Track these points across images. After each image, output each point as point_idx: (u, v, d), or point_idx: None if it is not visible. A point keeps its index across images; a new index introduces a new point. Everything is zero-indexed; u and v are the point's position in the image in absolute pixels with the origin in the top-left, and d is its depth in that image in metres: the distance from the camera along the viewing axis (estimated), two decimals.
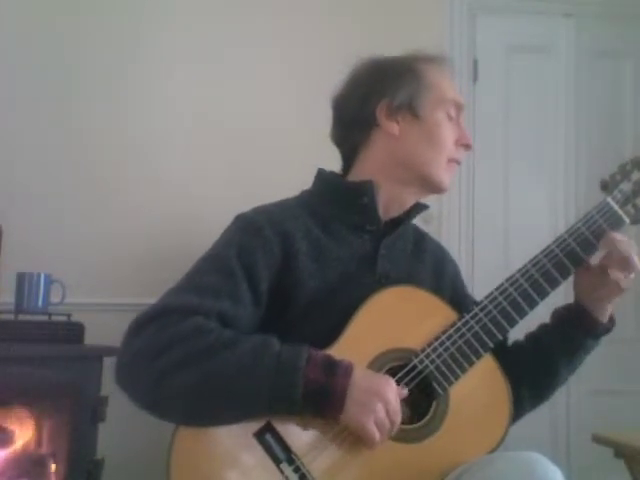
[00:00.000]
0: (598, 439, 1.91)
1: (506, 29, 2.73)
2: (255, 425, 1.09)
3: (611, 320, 1.30)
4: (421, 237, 1.43)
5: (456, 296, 1.39)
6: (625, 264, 1.21)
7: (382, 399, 1.07)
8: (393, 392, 1.09)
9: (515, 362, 1.29)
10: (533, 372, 1.30)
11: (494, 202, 2.68)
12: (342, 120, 1.37)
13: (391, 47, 1.40)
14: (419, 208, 1.38)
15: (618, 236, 1.23)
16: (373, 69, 1.35)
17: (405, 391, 1.13)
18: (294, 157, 2.31)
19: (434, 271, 1.39)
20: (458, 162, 1.33)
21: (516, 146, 2.71)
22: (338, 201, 1.31)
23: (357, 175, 1.34)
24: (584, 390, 2.61)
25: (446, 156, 1.30)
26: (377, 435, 1.08)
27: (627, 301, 2.57)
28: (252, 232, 1.22)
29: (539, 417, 2.50)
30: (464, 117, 1.36)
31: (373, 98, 1.30)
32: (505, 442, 1.19)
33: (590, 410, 2.59)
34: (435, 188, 1.33)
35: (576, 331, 1.28)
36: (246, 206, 1.34)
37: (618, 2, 2.78)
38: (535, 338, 1.35)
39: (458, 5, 2.65)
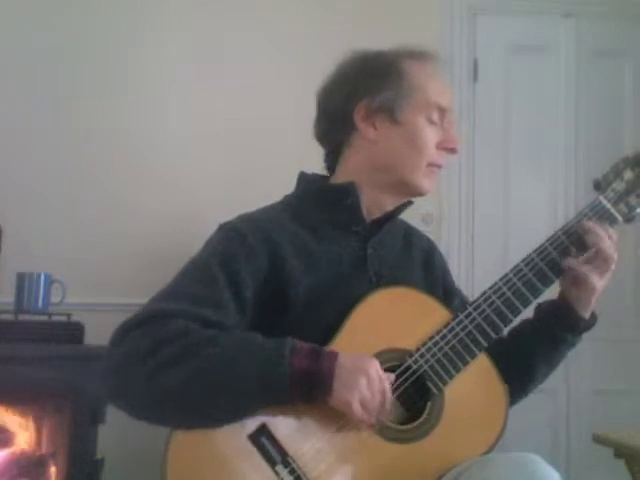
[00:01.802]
0: (598, 439, 1.90)
1: (506, 29, 2.73)
2: (250, 427, 1.09)
3: (593, 317, 1.28)
4: (409, 231, 1.42)
5: (446, 286, 1.40)
6: (604, 263, 1.21)
7: (365, 374, 1.08)
8: (374, 368, 1.09)
9: (495, 356, 1.26)
10: (512, 366, 1.27)
11: (494, 202, 2.68)
12: (324, 116, 1.35)
13: (391, 47, 1.39)
14: (404, 204, 1.35)
15: (602, 231, 1.22)
16: (358, 66, 1.31)
17: (392, 376, 1.13)
18: (294, 159, 2.30)
19: (424, 263, 1.38)
20: (439, 166, 1.30)
21: (516, 146, 2.71)
22: (322, 203, 1.30)
23: (340, 177, 1.32)
24: (584, 390, 2.62)
25: (425, 161, 1.27)
26: (362, 413, 1.07)
27: (627, 301, 2.57)
28: (236, 240, 1.21)
29: (539, 417, 2.54)
30: (452, 119, 1.32)
31: (352, 97, 1.28)
32: (504, 442, 1.19)
33: (590, 410, 2.59)
34: (414, 193, 1.31)
35: (557, 326, 1.27)
36: (246, 207, 1.33)
37: (618, 2, 2.78)
38: (516, 332, 1.33)
39: (458, 5, 2.66)
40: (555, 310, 1.28)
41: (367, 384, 1.08)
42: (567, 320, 1.26)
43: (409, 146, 1.26)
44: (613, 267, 1.22)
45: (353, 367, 1.08)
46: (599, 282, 1.21)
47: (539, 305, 1.31)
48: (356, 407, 1.07)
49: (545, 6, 2.74)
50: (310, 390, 1.07)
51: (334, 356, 1.09)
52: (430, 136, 1.27)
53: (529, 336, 1.31)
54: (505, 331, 1.26)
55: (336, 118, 1.31)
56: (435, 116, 1.27)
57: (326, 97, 1.33)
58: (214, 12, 2.44)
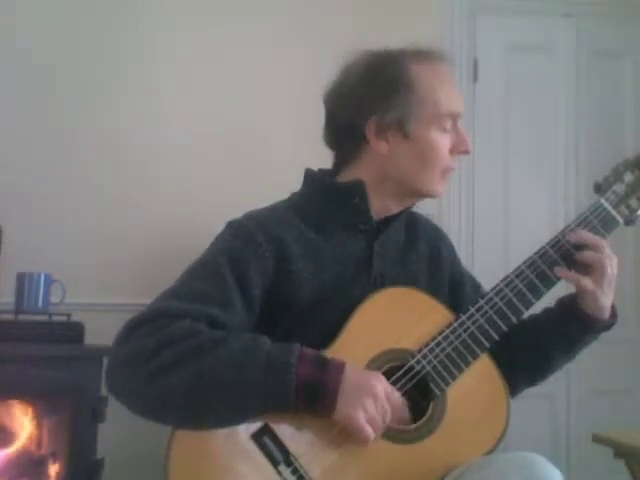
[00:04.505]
0: (598, 439, 1.90)
1: (506, 29, 2.73)
2: (252, 427, 1.09)
3: (613, 316, 1.28)
4: (413, 223, 1.39)
5: (454, 278, 1.39)
6: (599, 276, 1.21)
7: (372, 394, 1.07)
8: (382, 387, 1.09)
9: (512, 345, 1.28)
10: (529, 356, 1.29)
11: (494, 202, 2.68)
12: (332, 126, 1.32)
13: (397, 47, 1.38)
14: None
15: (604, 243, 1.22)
16: (366, 76, 1.26)
17: (397, 394, 1.13)
18: (294, 158, 2.28)
19: (430, 258, 1.37)
20: (452, 169, 1.29)
21: (516, 146, 2.71)
22: (329, 202, 1.29)
23: (347, 177, 1.30)
24: (584, 390, 2.62)
25: (440, 169, 1.26)
26: (369, 431, 1.07)
27: (627, 302, 2.57)
28: (244, 238, 1.21)
29: (539, 417, 2.54)
30: (463, 120, 1.29)
31: (363, 112, 1.24)
32: (505, 442, 1.19)
33: (590, 410, 2.59)
34: (428, 197, 1.30)
35: (573, 325, 1.27)
36: (246, 207, 1.33)
37: (618, 2, 2.78)
38: (536, 321, 1.33)
39: (458, 5, 2.66)
40: (574, 309, 1.26)
41: (374, 404, 1.08)
42: (585, 320, 1.25)
43: (423, 160, 1.25)
44: (609, 272, 1.21)
45: (360, 384, 1.08)
46: (592, 285, 1.21)
47: (560, 300, 1.31)
48: (363, 425, 1.07)
49: (545, 6, 2.75)
50: (314, 402, 1.07)
51: (340, 369, 1.08)
52: (443, 145, 1.25)
53: (548, 328, 1.31)
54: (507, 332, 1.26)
55: (345, 130, 1.28)
56: (448, 124, 1.26)
57: (334, 107, 1.30)
58: (214, 12, 2.44)
